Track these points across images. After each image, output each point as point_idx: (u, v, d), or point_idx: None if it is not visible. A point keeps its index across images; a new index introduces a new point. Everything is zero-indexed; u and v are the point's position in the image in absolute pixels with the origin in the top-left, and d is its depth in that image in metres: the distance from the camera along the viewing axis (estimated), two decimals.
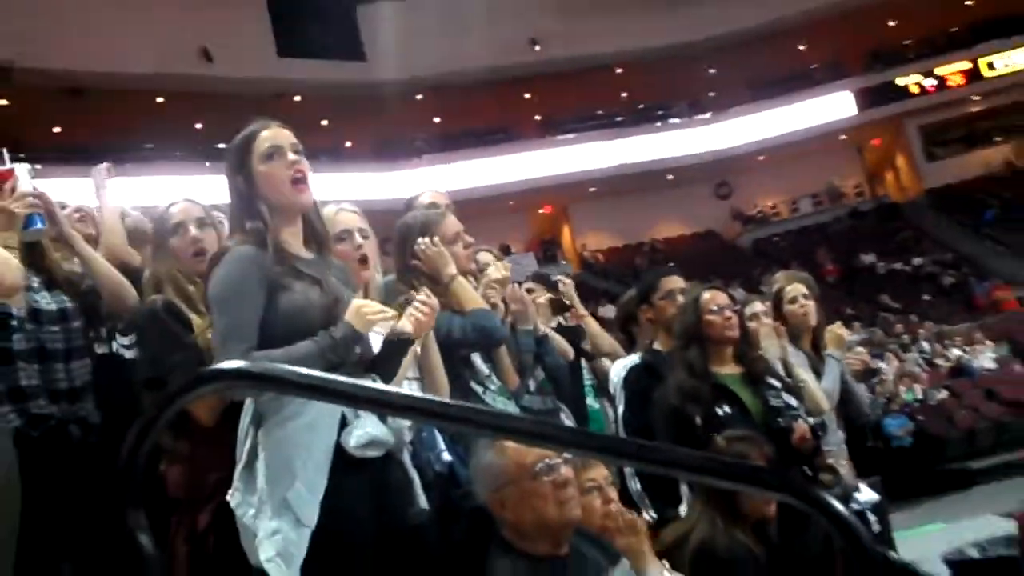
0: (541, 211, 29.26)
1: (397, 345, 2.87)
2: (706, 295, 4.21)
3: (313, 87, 24.60)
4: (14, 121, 20.46)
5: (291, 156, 2.84)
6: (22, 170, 3.31)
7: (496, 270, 4.01)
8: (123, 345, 3.59)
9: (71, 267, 3.47)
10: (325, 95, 24.84)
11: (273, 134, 2.87)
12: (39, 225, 3.27)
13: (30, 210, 3.24)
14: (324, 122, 24.61)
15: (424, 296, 2.95)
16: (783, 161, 27.81)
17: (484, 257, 4.15)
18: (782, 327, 4.66)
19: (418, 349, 3.17)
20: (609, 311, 11.83)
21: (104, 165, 3.97)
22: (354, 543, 2.64)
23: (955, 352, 18.79)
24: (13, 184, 3.26)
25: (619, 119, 28.70)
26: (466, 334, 3.42)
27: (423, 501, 2.88)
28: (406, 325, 2.87)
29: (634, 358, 4.65)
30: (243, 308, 2.68)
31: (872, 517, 4.77)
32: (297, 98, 24.13)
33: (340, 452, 2.64)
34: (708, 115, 28.39)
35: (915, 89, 27.80)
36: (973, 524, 9.19)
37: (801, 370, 4.50)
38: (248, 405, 2.71)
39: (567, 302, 5.04)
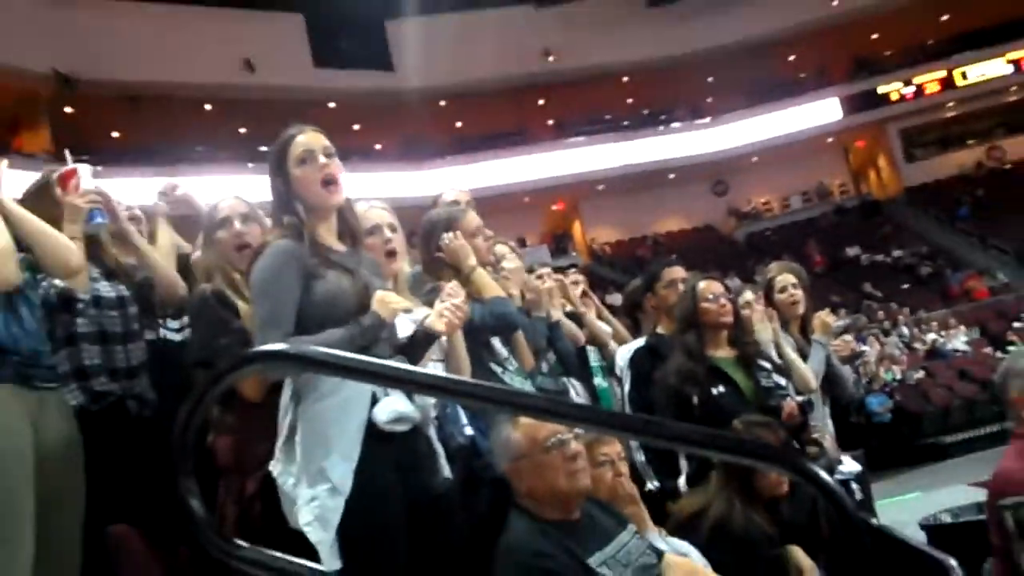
0: (554, 207, 29.20)
1: (425, 338, 2.88)
2: (702, 284, 4.20)
3: (346, 95, 24.61)
4: (78, 126, 20.60)
5: (322, 159, 2.83)
6: (85, 170, 3.33)
7: (511, 261, 4.01)
8: (171, 330, 3.62)
9: (127, 260, 3.50)
10: (357, 102, 24.84)
11: (307, 139, 2.87)
12: (100, 220, 3.29)
13: (92, 205, 3.26)
14: (356, 126, 24.62)
15: (457, 300, 2.94)
16: (775, 162, 27.69)
17: (501, 249, 4.15)
18: (773, 312, 4.64)
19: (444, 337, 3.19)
20: (616, 299, 11.81)
21: (170, 184, 3.98)
22: (384, 509, 2.65)
23: (931, 336, 18.74)
24: (77, 182, 3.28)
25: (625, 123, 28.59)
26: (485, 320, 3.42)
27: (446, 471, 2.88)
28: (438, 324, 2.86)
29: (639, 342, 4.65)
30: (281, 296, 2.69)
31: (855, 486, 4.75)
32: (331, 104, 24.11)
33: (371, 427, 2.65)
34: (707, 119, 28.27)
35: (895, 96, 27.66)
36: (947, 493, 9.18)
37: (790, 351, 4.49)
38: (288, 384, 2.72)
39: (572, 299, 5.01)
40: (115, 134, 23.03)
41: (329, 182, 2.83)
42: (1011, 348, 14.94)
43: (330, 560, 2.52)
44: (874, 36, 27.51)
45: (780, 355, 4.39)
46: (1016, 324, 18.85)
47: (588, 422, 2.10)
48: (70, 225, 3.13)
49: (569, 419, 2.29)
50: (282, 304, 2.68)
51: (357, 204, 3.22)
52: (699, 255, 22.31)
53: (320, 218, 2.86)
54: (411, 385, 2.39)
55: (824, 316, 4.83)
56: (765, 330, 4.44)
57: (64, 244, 2.90)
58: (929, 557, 3.03)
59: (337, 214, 2.90)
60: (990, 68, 26.95)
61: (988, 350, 18.00)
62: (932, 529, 4.44)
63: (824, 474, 1.61)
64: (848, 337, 5.45)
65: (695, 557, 3.19)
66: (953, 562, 2.83)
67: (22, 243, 2.81)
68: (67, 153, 3.48)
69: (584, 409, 2.90)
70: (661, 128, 28.46)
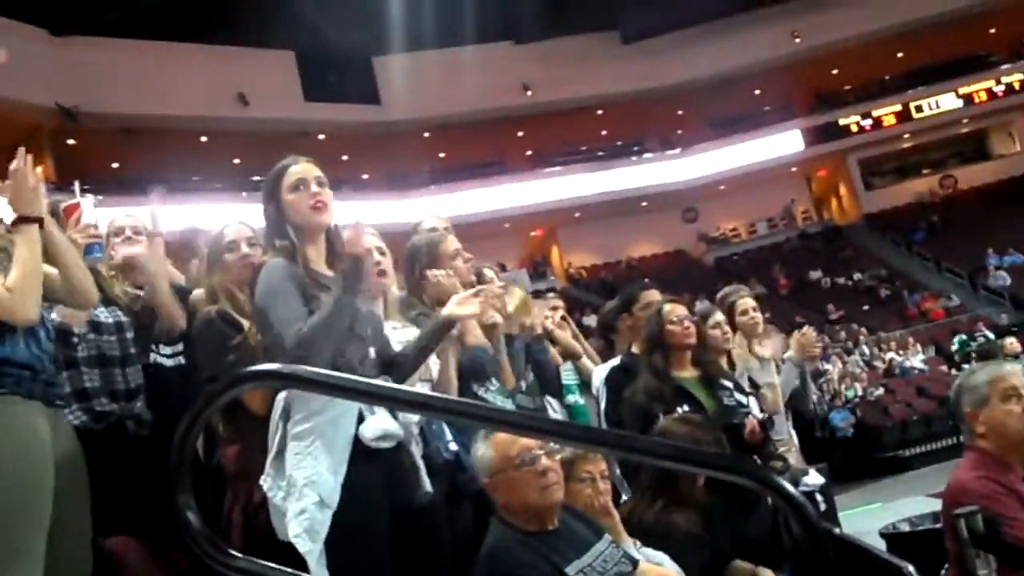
0: (533, 233, 29.24)
1: (441, 328, 2.97)
2: (667, 307, 4.22)
3: (335, 127, 24.61)
4: (79, 157, 20.53)
5: (314, 188, 2.86)
6: (87, 203, 3.33)
7: (493, 288, 4.00)
8: (163, 355, 3.61)
9: (122, 287, 3.49)
10: (345, 134, 24.87)
11: (301, 169, 2.89)
12: (97, 254, 3.28)
13: (90, 240, 3.26)
14: (344, 157, 24.61)
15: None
16: (742, 190, 27.85)
17: (489, 273, 4.16)
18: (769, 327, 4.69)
19: (435, 357, 3.22)
20: (592, 320, 11.82)
21: (158, 190, 3.99)
22: (370, 522, 2.65)
23: (890, 355, 18.83)
24: (79, 215, 3.27)
25: (600, 153, 28.73)
26: (461, 365, 3.45)
27: (428, 486, 2.89)
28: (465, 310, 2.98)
29: (615, 361, 4.66)
30: (289, 300, 2.70)
31: (819, 498, 4.78)
32: (321, 136, 24.11)
33: (357, 443, 2.66)
34: (677, 150, 28.41)
35: (855, 128, 27.88)
36: (906, 503, 9.21)
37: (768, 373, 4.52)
38: (279, 400, 2.72)
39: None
40: (114, 165, 22.93)
41: (319, 205, 2.85)
42: (965, 366, 15.03)
43: (318, 571, 2.52)
44: (834, 72, 27.77)
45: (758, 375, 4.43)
46: (972, 343, 18.99)
47: (564, 437, 2.11)
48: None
49: (545, 434, 2.30)
50: (292, 306, 2.69)
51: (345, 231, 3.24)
52: (671, 278, 22.37)
53: (310, 241, 2.87)
54: (397, 403, 2.40)
55: (801, 337, 4.86)
56: (765, 350, 4.47)
57: (90, 278, 2.90)
58: (888, 564, 3.04)
59: (325, 240, 2.92)
60: (943, 102, 27.25)
61: (943, 368, 18.11)
62: (891, 537, 4.44)
63: (788, 486, 1.63)
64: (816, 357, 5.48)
65: (669, 566, 3.19)
66: (911, 568, 2.84)
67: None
68: (75, 185, 3.47)
69: (561, 425, 2.91)
70: (634, 158, 28.60)
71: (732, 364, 4.71)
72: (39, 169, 2.81)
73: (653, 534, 3.32)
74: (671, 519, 3.41)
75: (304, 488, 2.58)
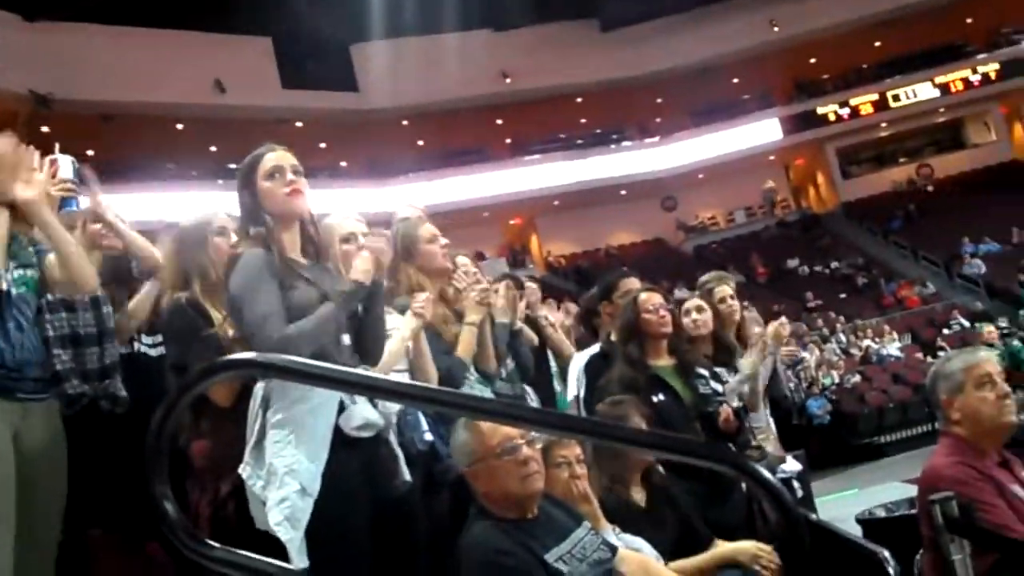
0: (512, 222, 29.24)
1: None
2: (643, 296, 4.19)
3: (313, 114, 24.50)
4: (53, 144, 20.29)
5: (290, 176, 2.84)
6: (64, 161, 3.33)
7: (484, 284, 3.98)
8: (146, 344, 3.59)
9: (97, 258, 3.44)
10: (323, 121, 24.78)
11: (277, 156, 2.87)
12: (73, 207, 3.30)
13: (65, 194, 3.25)
14: (322, 145, 24.54)
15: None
16: (720, 178, 27.94)
17: (461, 259, 4.15)
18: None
19: (411, 344, 3.22)
20: (572, 308, 11.82)
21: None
22: (350, 510, 2.66)
23: (866, 343, 18.95)
24: (55, 170, 3.25)
25: (579, 142, 28.73)
26: (440, 371, 3.45)
27: (407, 475, 2.90)
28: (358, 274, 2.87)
29: (595, 348, 4.66)
30: (269, 294, 2.69)
31: (796, 484, 4.81)
32: (299, 124, 24.01)
33: (338, 432, 2.66)
34: (656, 139, 28.48)
35: (832, 117, 28.01)
36: (882, 489, 9.30)
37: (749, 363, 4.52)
38: (257, 390, 2.71)
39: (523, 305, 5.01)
40: (89, 152, 22.69)
41: (294, 193, 2.84)
42: (940, 353, 15.15)
43: (298, 559, 2.52)
44: (812, 61, 27.91)
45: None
46: (945, 331, 19.14)
47: (541, 424, 2.12)
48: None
49: (524, 422, 2.31)
50: (272, 300, 2.68)
51: (329, 218, 3.25)
52: (650, 266, 22.42)
53: (285, 229, 2.85)
54: (376, 391, 2.39)
55: (778, 327, 4.87)
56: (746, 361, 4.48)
57: (89, 265, 2.89)
58: (864, 549, 3.07)
59: (300, 228, 2.90)
60: (920, 91, 27.40)
61: (919, 355, 18.25)
62: (867, 523, 4.48)
63: (765, 472, 1.63)
64: (792, 347, 5.49)
65: (647, 551, 3.20)
66: (887, 554, 2.87)
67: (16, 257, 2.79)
68: (56, 146, 3.45)
69: (540, 413, 2.91)
70: (613, 147, 28.64)
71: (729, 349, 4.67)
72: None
73: (605, 511, 3.33)
74: (618, 495, 3.44)
75: (285, 476, 2.58)
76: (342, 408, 2.69)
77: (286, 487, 2.57)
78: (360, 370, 2.65)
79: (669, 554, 3.26)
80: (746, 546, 3.35)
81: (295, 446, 2.60)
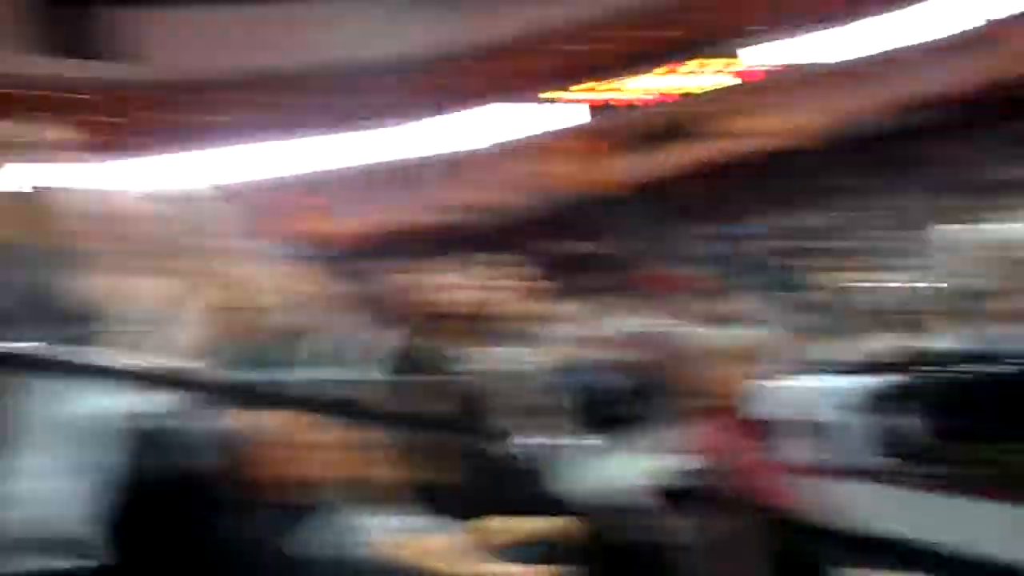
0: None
1: None
2: (402, 280, 4.20)
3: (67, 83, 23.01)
4: None
5: None
6: None
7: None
8: None
9: None
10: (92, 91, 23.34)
11: None
12: None
13: None
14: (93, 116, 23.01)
15: None
16: (480, 166, 28.79)
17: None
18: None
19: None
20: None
21: None
22: (123, 499, 2.54)
23: (635, 320, 19.63)
24: None
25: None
26: None
27: (194, 456, 2.80)
28: None
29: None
30: None
31: (549, 454, 4.92)
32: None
33: (106, 419, 2.54)
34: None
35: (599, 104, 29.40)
36: (646, 459, 9.72)
37: None
38: None
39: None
40: None
41: None
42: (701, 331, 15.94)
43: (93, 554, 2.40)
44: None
45: None
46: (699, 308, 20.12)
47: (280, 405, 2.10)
48: None
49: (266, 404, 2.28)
50: None
51: None
52: (415, 249, 22.35)
53: None
54: (119, 377, 2.30)
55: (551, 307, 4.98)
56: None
57: None
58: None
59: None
60: (666, 82, 29.42)
61: (670, 332, 19.09)
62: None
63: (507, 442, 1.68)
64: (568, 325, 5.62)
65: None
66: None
67: None
68: None
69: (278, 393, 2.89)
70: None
71: None
72: None
73: None
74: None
75: (44, 472, 2.45)
76: (102, 395, 2.57)
77: (42, 483, 2.44)
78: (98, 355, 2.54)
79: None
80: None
81: (45, 439, 2.47)
